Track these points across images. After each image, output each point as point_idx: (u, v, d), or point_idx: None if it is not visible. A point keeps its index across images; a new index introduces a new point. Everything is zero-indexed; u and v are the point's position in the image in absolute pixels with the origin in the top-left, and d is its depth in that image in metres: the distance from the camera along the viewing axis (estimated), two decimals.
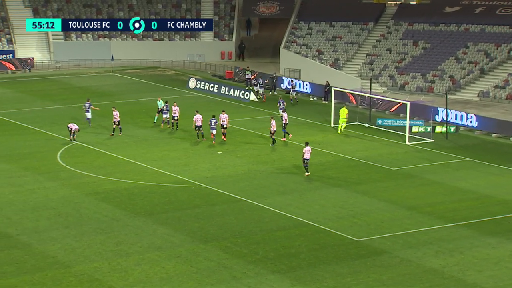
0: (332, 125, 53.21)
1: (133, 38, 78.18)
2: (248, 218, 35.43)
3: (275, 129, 47.32)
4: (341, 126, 51.24)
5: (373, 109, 56.11)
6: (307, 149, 41.26)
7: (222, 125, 48.07)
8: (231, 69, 70.73)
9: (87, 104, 51.54)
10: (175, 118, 50.41)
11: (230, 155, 45.84)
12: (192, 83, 65.68)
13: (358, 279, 29.19)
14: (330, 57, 70.44)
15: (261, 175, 42.09)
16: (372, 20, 73.63)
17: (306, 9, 76.73)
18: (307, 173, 41.49)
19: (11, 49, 73.41)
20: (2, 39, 74.63)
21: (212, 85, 64.28)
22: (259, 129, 51.50)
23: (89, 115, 51.34)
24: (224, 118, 48.17)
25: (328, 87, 60.76)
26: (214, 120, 47.45)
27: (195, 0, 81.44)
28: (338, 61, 69.58)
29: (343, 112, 51.21)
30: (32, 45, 75.82)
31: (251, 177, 41.60)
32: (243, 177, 41.57)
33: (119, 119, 48.93)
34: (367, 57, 69.52)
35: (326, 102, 60.04)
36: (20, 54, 73.48)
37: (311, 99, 62.94)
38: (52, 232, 33.22)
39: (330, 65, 68.94)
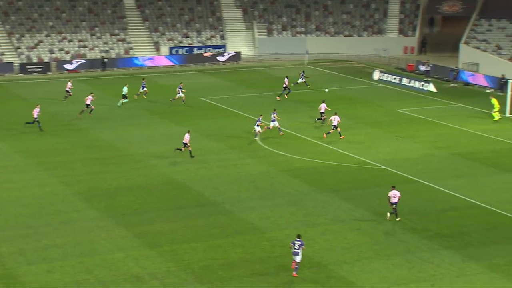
0: (508, 114, 50.48)
1: (326, 35, 78.41)
2: (423, 198, 34.60)
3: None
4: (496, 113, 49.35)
5: None
6: (394, 193, 31.71)
7: (334, 126, 44.01)
8: (413, 62, 69.05)
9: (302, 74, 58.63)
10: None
11: (409, 140, 44.84)
12: (376, 75, 64.97)
13: None
14: (509, 52, 66.58)
15: (436, 159, 40.85)
16: None
17: (488, 7, 72.94)
18: (397, 218, 31.89)
19: (223, 44, 76.26)
20: (216, 35, 77.72)
21: (394, 77, 63.17)
22: (437, 117, 49.96)
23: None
24: (335, 118, 43.98)
25: (504, 80, 57.71)
26: (274, 113, 45.47)
27: (383, 0, 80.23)
28: None
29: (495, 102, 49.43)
30: (240, 41, 78.26)
31: (427, 161, 40.50)
32: (419, 161, 40.56)
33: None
34: None
35: (502, 93, 57.08)
36: (230, 48, 76.12)
37: (487, 91, 60.02)
38: (250, 202, 34.32)
39: (508, 60, 65.18)
